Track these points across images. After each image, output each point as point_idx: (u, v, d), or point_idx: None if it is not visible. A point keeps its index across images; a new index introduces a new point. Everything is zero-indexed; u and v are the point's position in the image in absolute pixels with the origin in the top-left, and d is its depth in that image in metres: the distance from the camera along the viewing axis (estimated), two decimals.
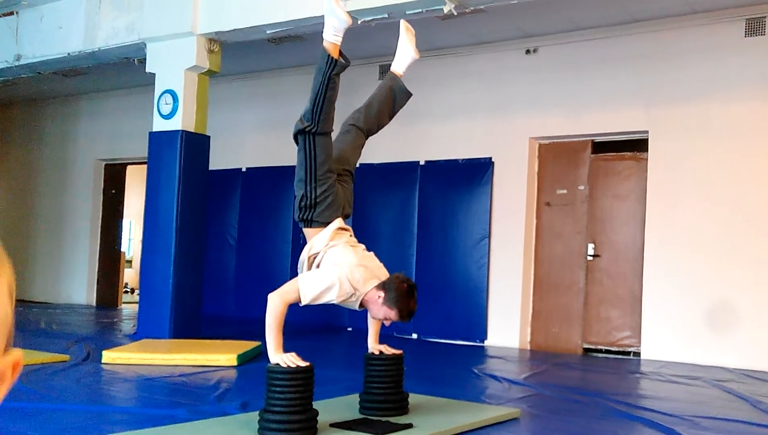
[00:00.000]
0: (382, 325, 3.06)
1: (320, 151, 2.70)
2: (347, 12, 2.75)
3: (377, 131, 3.04)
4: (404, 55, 3.04)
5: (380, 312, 2.65)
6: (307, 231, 2.79)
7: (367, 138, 3.01)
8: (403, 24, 3.08)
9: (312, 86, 2.71)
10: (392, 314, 2.63)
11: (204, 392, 3.41)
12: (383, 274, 2.72)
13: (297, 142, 2.75)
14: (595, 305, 6.05)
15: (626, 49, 5.92)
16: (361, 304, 2.68)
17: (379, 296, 2.62)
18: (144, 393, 3.48)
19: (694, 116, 5.60)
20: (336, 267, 2.60)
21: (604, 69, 6.01)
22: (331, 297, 2.57)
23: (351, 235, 2.84)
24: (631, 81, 5.89)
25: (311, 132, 2.69)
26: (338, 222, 2.76)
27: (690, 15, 5.61)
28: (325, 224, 2.74)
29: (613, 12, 5.66)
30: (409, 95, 3.04)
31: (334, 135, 2.87)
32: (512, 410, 3.18)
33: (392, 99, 2.99)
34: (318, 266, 2.72)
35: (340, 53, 2.72)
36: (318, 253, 2.72)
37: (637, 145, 6.00)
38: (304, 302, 2.56)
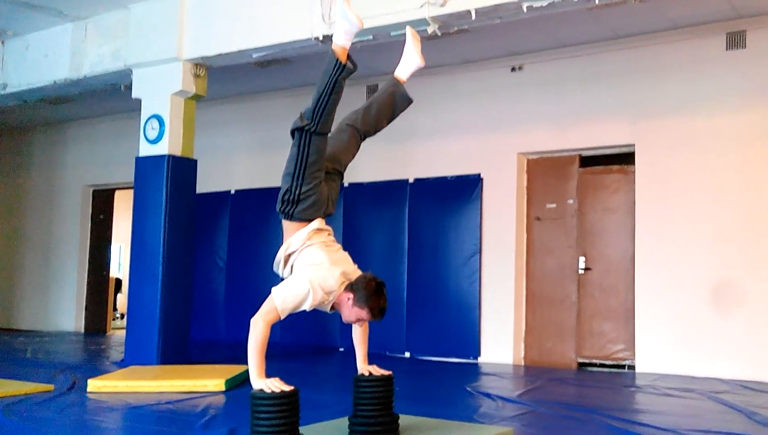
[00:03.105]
0: (370, 343, 3.02)
1: (313, 150, 2.69)
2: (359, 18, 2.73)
3: (374, 134, 3.02)
4: (409, 62, 3.03)
5: (352, 314, 2.63)
6: (285, 223, 2.78)
7: (363, 139, 2.98)
8: (410, 31, 3.06)
9: (317, 87, 2.70)
10: (364, 314, 2.61)
11: (191, 419, 3.34)
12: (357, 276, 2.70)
13: (293, 137, 2.74)
14: (587, 319, 6.02)
15: (610, 65, 5.99)
16: (332, 307, 2.66)
17: (348, 298, 2.60)
18: (129, 422, 3.40)
19: (679, 129, 5.66)
20: (307, 275, 2.57)
21: (589, 84, 6.07)
22: (306, 306, 2.56)
23: (329, 234, 2.83)
24: (616, 96, 5.95)
25: (309, 131, 2.68)
26: (317, 223, 2.75)
27: (671, 30, 5.69)
28: (305, 221, 2.73)
29: (596, 29, 5.73)
30: (409, 102, 3.02)
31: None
32: (505, 429, 3.13)
33: (392, 104, 2.98)
34: (292, 267, 2.70)
35: (349, 57, 2.72)
36: (294, 253, 2.70)
37: (624, 159, 6.04)
38: (283, 316, 2.54)
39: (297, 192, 2.70)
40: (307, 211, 2.72)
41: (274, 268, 2.79)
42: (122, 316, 10.92)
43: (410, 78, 3.06)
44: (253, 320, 2.50)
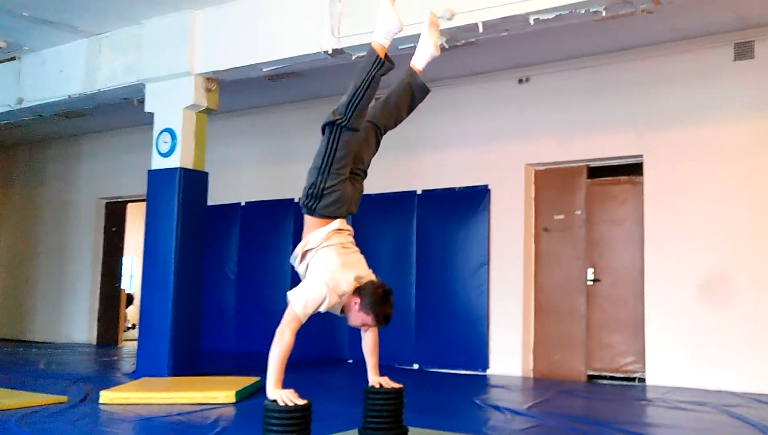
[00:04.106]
0: (380, 355, 3.04)
1: (342, 145, 2.72)
2: (401, 20, 2.80)
3: (394, 127, 3.03)
4: (424, 51, 3.01)
5: (357, 319, 2.66)
6: (307, 218, 2.81)
7: (383, 134, 3.00)
8: (429, 17, 3.03)
9: (353, 82, 2.74)
10: (369, 320, 2.64)
11: (201, 431, 3.37)
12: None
13: (323, 133, 2.77)
14: (597, 331, 5.99)
15: (617, 76, 6.01)
16: (342, 311, 2.70)
17: (355, 303, 2.64)
18: (142, 434, 3.44)
19: (687, 139, 5.65)
20: (323, 278, 2.61)
21: (596, 95, 6.09)
22: (323, 308, 2.61)
23: (350, 234, 2.85)
24: (623, 107, 5.96)
25: (341, 125, 2.71)
26: (338, 223, 2.77)
27: (679, 41, 5.71)
28: (327, 218, 2.76)
29: (603, 40, 5.76)
30: (427, 92, 3.01)
31: None
32: None
33: (410, 96, 2.98)
34: (308, 264, 2.74)
35: (386, 56, 2.78)
36: (311, 250, 2.74)
37: (633, 169, 6.04)
38: (304, 320, 2.59)
39: (321, 186, 2.73)
40: (330, 207, 2.75)
41: (291, 261, 2.85)
42: (133, 326, 10.99)
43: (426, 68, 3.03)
44: (279, 330, 2.53)
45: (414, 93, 3.00)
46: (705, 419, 3.99)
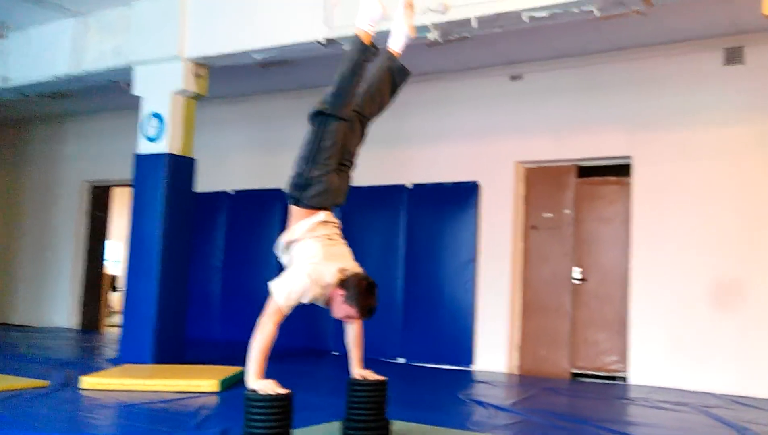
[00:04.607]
0: (366, 348, 3.04)
1: (330, 135, 2.70)
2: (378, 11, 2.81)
3: (379, 113, 3.02)
4: (398, 33, 3.02)
5: (341, 311, 2.65)
6: (293, 209, 2.79)
7: (369, 122, 2.98)
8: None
9: (339, 70, 2.72)
10: (353, 312, 2.64)
11: (184, 419, 3.34)
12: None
13: (312, 123, 2.75)
14: (582, 329, 6.04)
15: (608, 76, 6.03)
16: (326, 302, 2.69)
17: (339, 295, 2.63)
18: (123, 420, 3.40)
19: (676, 142, 5.69)
20: (306, 269, 2.60)
21: (588, 95, 6.11)
22: (305, 300, 2.61)
23: (335, 226, 2.83)
24: (613, 107, 5.98)
25: (328, 114, 2.69)
26: (324, 214, 2.75)
27: (670, 44, 5.74)
28: (313, 209, 2.73)
29: (596, 40, 5.77)
30: (407, 74, 3.01)
31: None
32: None
33: (391, 79, 2.98)
34: (292, 256, 2.73)
35: (371, 42, 2.77)
36: (295, 241, 2.72)
37: (621, 170, 6.08)
38: (287, 312, 2.57)
39: (308, 176, 2.71)
40: (316, 198, 2.73)
41: (275, 250, 2.83)
42: (117, 291, 10.80)
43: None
44: (261, 322, 2.52)
45: (394, 76, 2.99)
46: (685, 419, 4.04)
